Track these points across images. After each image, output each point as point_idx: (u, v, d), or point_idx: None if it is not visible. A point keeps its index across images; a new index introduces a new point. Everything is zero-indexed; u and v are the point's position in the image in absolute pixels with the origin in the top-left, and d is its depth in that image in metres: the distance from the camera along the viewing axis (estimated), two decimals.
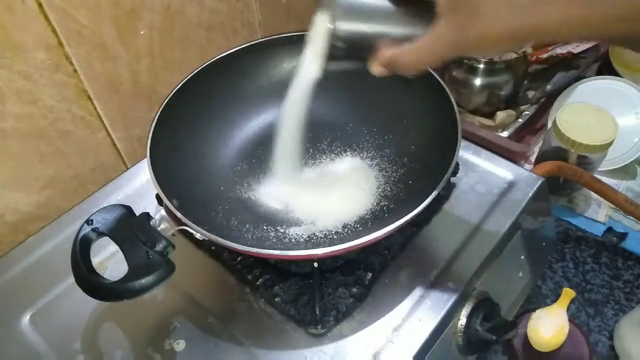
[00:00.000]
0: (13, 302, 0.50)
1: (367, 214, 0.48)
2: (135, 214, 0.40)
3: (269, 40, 0.58)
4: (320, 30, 0.39)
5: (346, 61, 0.46)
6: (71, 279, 0.38)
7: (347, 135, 0.58)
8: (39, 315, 0.49)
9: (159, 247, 0.38)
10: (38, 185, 0.56)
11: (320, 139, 0.58)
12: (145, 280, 0.36)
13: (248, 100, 0.58)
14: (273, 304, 0.47)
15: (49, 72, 0.51)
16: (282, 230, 0.49)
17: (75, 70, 0.53)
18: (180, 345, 0.45)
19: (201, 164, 0.53)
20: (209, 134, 0.55)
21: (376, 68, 0.38)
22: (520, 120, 0.79)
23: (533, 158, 0.74)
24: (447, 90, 0.49)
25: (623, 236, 0.68)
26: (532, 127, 0.78)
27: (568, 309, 0.55)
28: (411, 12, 0.36)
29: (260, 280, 0.48)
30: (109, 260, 0.51)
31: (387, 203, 0.49)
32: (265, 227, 0.50)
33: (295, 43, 0.58)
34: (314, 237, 0.47)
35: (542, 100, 0.80)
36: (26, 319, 0.48)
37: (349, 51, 0.40)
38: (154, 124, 0.48)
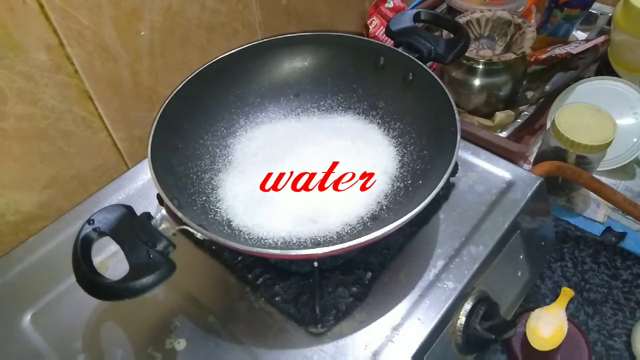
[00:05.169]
0: (14, 301, 0.50)
1: (367, 214, 0.48)
2: (136, 214, 0.40)
3: (269, 41, 0.58)
4: None
5: None
6: (72, 279, 0.38)
7: None
8: (40, 315, 0.49)
9: (160, 246, 0.38)
10: (39, 185, 0.56)
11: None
12: (146, 280, 0.36)
13: (249, 100, 0.58)
14: (273, 303, 0.47)
15: (50, 72, 0.51)
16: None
17: (76, 71, 0.53)
18: (181, 345, 0.45)
19: (202, 165, 0.53)
20: (210, 134, 0.55)
21: None
22: (519, 120, 0.80)
23: (532, 158, 0.74)
24: (446, 90, 0.49)
25: (622, 236, 0.69)
26: (531, 127, 0.79)
27: (567, 309, 0.56)
28: None
29: (260, 279, 0.48)
30: (110, 259, 0.51)
31: (386, 203, 0.49)
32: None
33: (296, 44, 0.59)
34: (314, 237, 0.47)
35: (541, 100, 0.81)
36: (27, 318, 0.48)
37: None
38: (154, 124, 0.49)
